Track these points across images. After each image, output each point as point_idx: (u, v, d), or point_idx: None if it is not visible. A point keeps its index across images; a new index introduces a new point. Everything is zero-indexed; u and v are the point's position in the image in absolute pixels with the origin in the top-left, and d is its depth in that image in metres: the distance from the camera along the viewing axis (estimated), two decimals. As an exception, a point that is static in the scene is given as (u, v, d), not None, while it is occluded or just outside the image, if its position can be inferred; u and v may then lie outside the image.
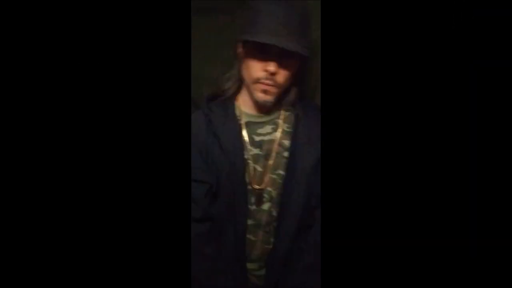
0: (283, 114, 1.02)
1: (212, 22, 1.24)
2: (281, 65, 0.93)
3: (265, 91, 0.95)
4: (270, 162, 0.99)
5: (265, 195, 0.99)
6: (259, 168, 0.98)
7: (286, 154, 0.99)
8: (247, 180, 0.98)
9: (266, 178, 0.98)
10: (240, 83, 1.02)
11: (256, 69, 0.94)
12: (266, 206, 0.99)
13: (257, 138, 1.00)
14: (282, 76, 0.94)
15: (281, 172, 0.99)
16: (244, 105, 1.02)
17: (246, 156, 0.98)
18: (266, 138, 1.00)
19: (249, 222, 0.98)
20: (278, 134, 1.01)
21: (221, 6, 1.26)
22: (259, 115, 1.02)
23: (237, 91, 1.03)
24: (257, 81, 0.94)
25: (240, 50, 0.97)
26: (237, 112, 1.02)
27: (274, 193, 0.99)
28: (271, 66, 0.92)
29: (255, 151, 0.99)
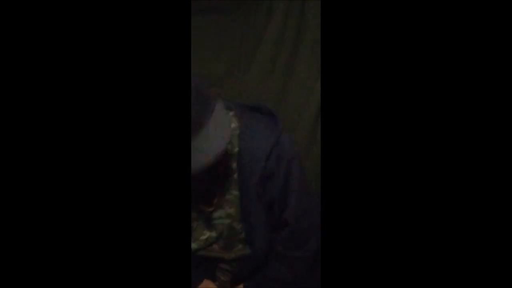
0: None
1: (212, 22, 1.25)
2: None
3: None
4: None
5: (219, 214, 0.98)
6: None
7: (235, 175, 0.96)
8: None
9: (221, 200, 0.96)
10: None
11: None
12: (226, 221, 0.98)
13: None
14: None
15: (235, 192, 0.96)
16: None
17: None
18: None
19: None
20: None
21: (221, 6, 1.26)
22: None
23: None
24: None
25: None
26: None
27: (232, 211, 0.97)
28: None
29: None
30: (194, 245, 0.99)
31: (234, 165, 0.95)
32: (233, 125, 0.95)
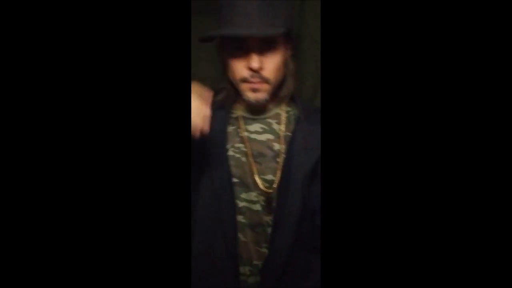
0: (282, 115, 0.96)
1: (212, 22, 1.25)
2: (265, 58, 0.87)
3: (254, 90, 0.89)
4: (258, 165, 0.93)
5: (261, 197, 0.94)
6: (246, 166, 0.93)
7: (277, 159, 0.93)
8: (234, 172, 0.92)
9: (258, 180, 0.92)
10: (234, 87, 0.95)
11: (239, 68, 0.88)
12: (257, 207, 0.93)
13: (243, 134, 0.94)
14: (269, 70, 0.88)
15: (271, 177, 0.93)
16: (241, 103, 0.97)
17: (230, 152, 0.93)
18: (252, 136, 0.95)
19: (240, 219, 0.92)
20: (267, 135, 0.95)
21: (221, 6, 1.26)
22: (253, 113, 0.97)
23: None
24: (244, 80, 0.89)
25: (220, 51, 0.93)
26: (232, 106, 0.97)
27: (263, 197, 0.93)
28: (254, 62, 0.86)
29: (240, 146, 0.94)
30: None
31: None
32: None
